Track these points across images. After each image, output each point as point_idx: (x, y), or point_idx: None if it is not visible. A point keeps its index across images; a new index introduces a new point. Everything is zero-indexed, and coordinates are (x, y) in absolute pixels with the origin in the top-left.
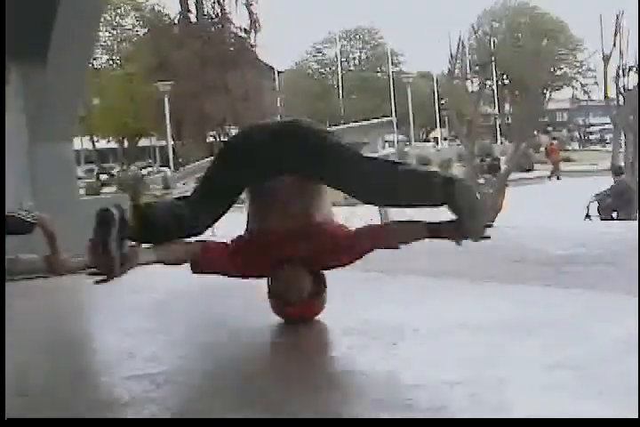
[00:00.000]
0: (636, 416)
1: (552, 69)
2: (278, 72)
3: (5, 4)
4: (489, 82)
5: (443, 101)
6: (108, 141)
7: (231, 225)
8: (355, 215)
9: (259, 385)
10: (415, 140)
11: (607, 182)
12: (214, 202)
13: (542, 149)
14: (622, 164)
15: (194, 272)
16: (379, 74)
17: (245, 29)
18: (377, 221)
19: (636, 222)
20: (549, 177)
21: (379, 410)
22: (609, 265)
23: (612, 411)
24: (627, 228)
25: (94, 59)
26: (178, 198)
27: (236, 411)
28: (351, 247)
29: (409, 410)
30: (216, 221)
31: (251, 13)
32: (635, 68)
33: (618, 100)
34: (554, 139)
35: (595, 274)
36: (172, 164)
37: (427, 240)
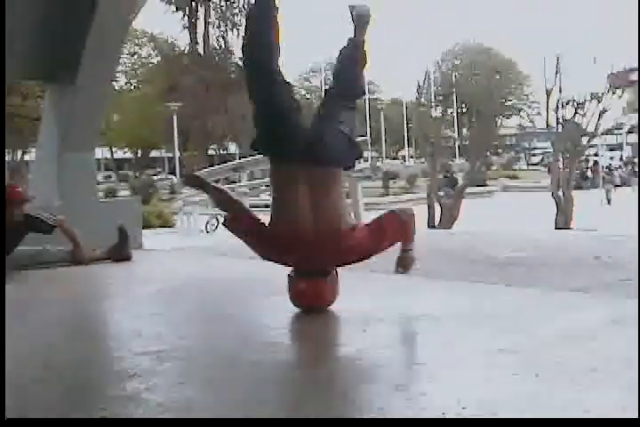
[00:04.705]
0: (636, 416)
1: (503, 100)
2: None
3: (44, 34)
4: (450, 109)
5: (411, 125)
6: (125, 152)
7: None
8: None
9: (252, 362)
10: (386, 157)
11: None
12: None
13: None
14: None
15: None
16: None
17: None
18: None
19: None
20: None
21: (341, 385)
22: (546, 266)
23: (545, 388)
24: (559, 234)
25: (115, 81)
26: None
27: (226, 385)
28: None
29: (374, 383)
30: None
31: None
32: (572, 103)
33: (557, 128)
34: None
35: (533, 274)
36: (178, 172)
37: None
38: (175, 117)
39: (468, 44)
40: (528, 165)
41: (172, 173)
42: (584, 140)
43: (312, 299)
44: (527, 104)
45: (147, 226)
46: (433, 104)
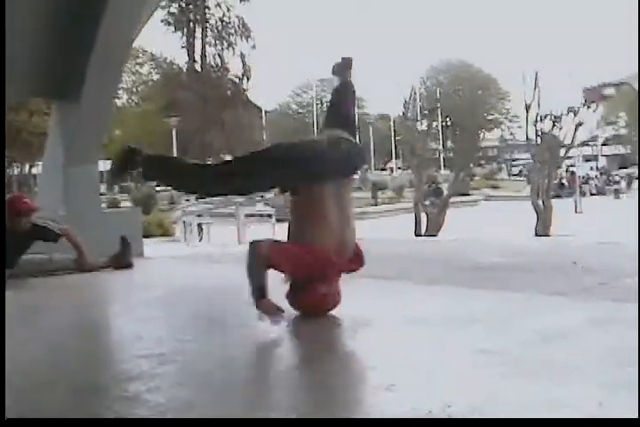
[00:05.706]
0: (636, 416)
1: (485, 115)
2: (265, 111)
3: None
4: (435, 123)
5: (398, 138)
6: None
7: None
8: None
9: (248, 363)
10: (375, 169)
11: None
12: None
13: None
14: (539, 190)
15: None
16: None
17: (239, 77)
18: None
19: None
20: None
21: (335, 385)
22: (526, 271)
23: (528, 385)
24: (539, 241)
25: (117, 98)
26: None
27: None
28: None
29: (362, 384)
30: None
31: (244, 64)
32: (549, 117)
33: (536, 141)
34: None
35: (515, 278)
36: None
37: (381, 249)
38: (174, 132)
39: (452, 61)
40: (509, 175)
41: None
42: (561, 151)
43: (317, 306)
44: (508, 118)
45: (148, 235)
46: (419, 118)
